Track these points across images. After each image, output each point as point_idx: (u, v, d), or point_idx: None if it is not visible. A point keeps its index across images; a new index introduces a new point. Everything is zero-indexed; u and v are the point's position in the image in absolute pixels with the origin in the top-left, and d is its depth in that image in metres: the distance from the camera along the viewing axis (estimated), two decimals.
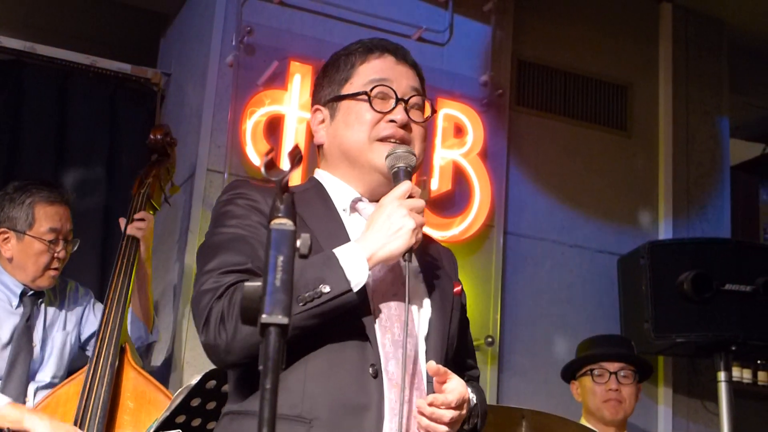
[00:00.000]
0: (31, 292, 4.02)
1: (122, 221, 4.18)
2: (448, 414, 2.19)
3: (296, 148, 1.90)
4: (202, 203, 4.66)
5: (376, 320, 2.24)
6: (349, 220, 2.37)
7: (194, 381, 3.21)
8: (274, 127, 4.80)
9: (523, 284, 5.29)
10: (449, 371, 2.23)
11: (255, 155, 4.70)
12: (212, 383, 3.22)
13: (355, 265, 2.15)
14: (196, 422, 3.28)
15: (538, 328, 5.26)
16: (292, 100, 4.81)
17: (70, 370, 4.06)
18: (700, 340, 4.96)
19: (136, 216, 4.13)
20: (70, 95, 5.27)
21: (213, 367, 3.30)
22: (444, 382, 2.22)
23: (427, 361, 2.27)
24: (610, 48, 5.85)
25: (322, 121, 2.46)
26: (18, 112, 5.16)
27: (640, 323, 5.02)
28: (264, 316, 1.51)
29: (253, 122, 4.75)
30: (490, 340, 5.00)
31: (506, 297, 5.20)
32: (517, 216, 5.34)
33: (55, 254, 4.00)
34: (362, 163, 2.37)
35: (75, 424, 3.65)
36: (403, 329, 2.22)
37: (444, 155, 5.08)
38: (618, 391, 4.39)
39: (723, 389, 4.89)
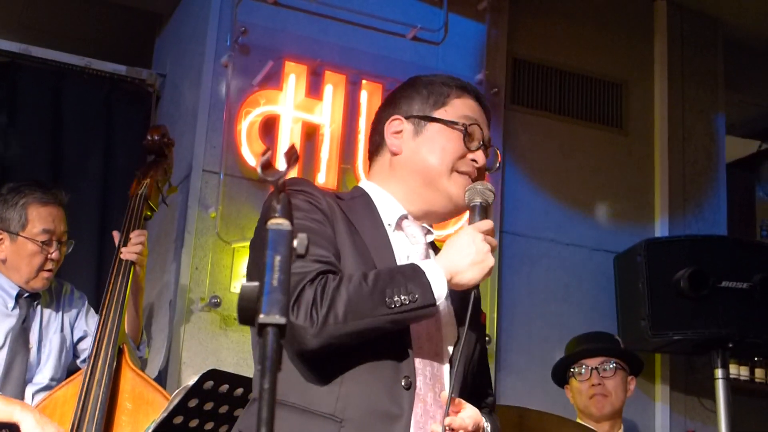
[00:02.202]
0: (27, 294, 4.02)
1: (116, 235, 4.15)
2: None
3: (292, 148, 1.90)
4: (198, 204, 4.66)
5: (413, 336, 2.31)
6: (393, 236, 2.45)
7: (191, 382, 3.21)
8: (269, 127, 4.80)
9: (520, 283, 5.29)
10: (463, 402, 2.30)
11: (250, 155, 4.70)
12: (209, 384, 3.21)
13: (438, 282, 2.24)
14: (194, 423, 3.28)
15: (535, 326, 5.26)
16: (287, 100, 4.81)
17: (68, 372, 4.06)
18: (697, 338, 4.96)
19: (132, 235, 4.09)
20: (65, 97, 5.26)
21: (210, 367, 3.31)
22: (458, 412, 2.28)
23: (450, 382, 2.34)
24: (605, 46, 5.85)
25: (399, 132, 2.52)
26: (13, 114, 5.15)
27: (637, 321, 5.02)
28: (262, 316, 1.50)
29: (248, 122, 4.74)
30: (487, 339, 5.00)
31: (503, 296, 5.20)
32: (513, 215, 5.34)
33: (49, 255, 3.98)
34: (437, 188, 2.47)
35: (73, 425, 3.64)
36: (443, 356, 2.35)
37: None
38: (601, 385, 4.38)
39: (720, 386, 4.89)
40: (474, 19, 5.42)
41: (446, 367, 2.37)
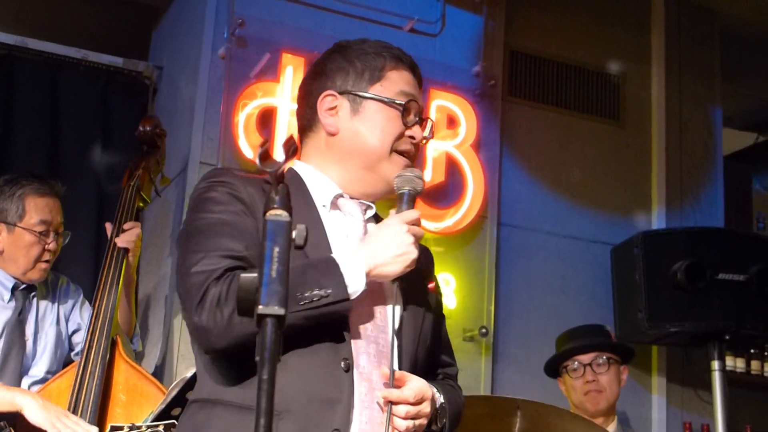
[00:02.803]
0: (23, 286, 4.02)
1: (108, 227, 4.15)
2: (404, 408, 2.20)
3: (291, 139, 1.90)
4: None
5: (353, 315, 2.25)
6: (328, 216, 2.37)
7: (189, 374, 3.21)
8: (266, 119, 4.80)
9: (517, 275, 5.30)
10: (406, 374, 2.25)
11: (248, 148, 4.70)
12: None
13: (355, 276, 2.18)
14: None
15: (532, 318, 5.27)
16: (285, 92, 4.80)
17: (64, 365, 4.05)
18: (694, 330, 4.96)
19: (125, 227, 4.09)
20: (62, 89, 5.26)
21: None
22: (401, 386, 2.22)
23: (399, 356, 2.28)
24: (603, 38, 5.85)
25: (334, 108, 2.43)
26: (9, 106, 5.15)
27: (634, 313, 5.02)
28: (261, 307, 1.51)
29: (245, 115, 4.74)
30: (484, 331, 5.00)
31: (500, 288, 5.21)
32: (510, 207, 5.34)
33: (46, 246, 3.99)
34: (376, 170, 2.40)
35: None
36: (388, 332, 2.27)
37: (437, 147, 5.07)
38: (595, 382, 4.36)
39: (716, 378, 4.90)
40: (471, 11, 5.42)
41: (394, 342, 2.28)
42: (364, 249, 2.24)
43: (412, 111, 2.42)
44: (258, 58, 4.84)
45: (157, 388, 3.79)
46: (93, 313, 3.89)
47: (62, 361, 4.09)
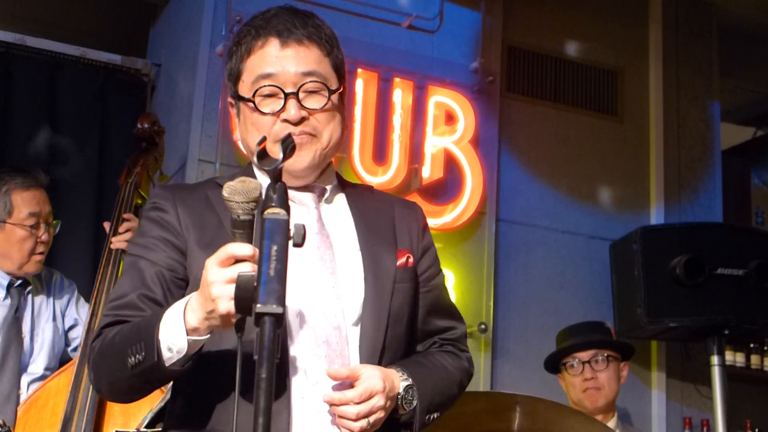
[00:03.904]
0: (18, 283, 4.01)
1: (106, 225, 4.14)
2: (353, 410, 2.06)
3: (289, 136, 1.90)
4: None
5: (305, 315, 2.11)
6: None
7: None
8: None
9: (516, 271, 5.29)
10: (359, 369, 2.09)
11: None
12: None
13: (170, 336, 1.97)
14: None
15: (531, 314, 5.27)
16: None
17: (61, 361, 4.06)
18: (693, 325, 4.96)
19: (124, 215, 4.08)
20: (60, 87, 5.26)
21: None
22: (356, 380, 2.08)
23: (360, 348, 2.16)
24: (600, 33, 5.84)
25: (238, 115, 2.31)
26: (8, 104, 5.15)
27: (633, 308, 5.02)
28: (258, 305, 1.51)
29: None
30: (483, 327, 5.01)
31: (499, 284, 5.21)
32: (509, 203, 5.34)
33: (39, 238, 3.99)
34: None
35: (65, 416, 3.63)
36: (342, 328, 2.15)
37: (435, 143, 5.07)
38: (594, 379, 4.36)
39: (716, 373, 4.89)
40: (469, 7, 5.42)
41: (354, 330, 2.16)
42: (189, 303, 1.98)
43: (268, 93, 2.19)
44: None
45: None
46: (90, 311, 3.89)
47: (59, 357, 4.09)
